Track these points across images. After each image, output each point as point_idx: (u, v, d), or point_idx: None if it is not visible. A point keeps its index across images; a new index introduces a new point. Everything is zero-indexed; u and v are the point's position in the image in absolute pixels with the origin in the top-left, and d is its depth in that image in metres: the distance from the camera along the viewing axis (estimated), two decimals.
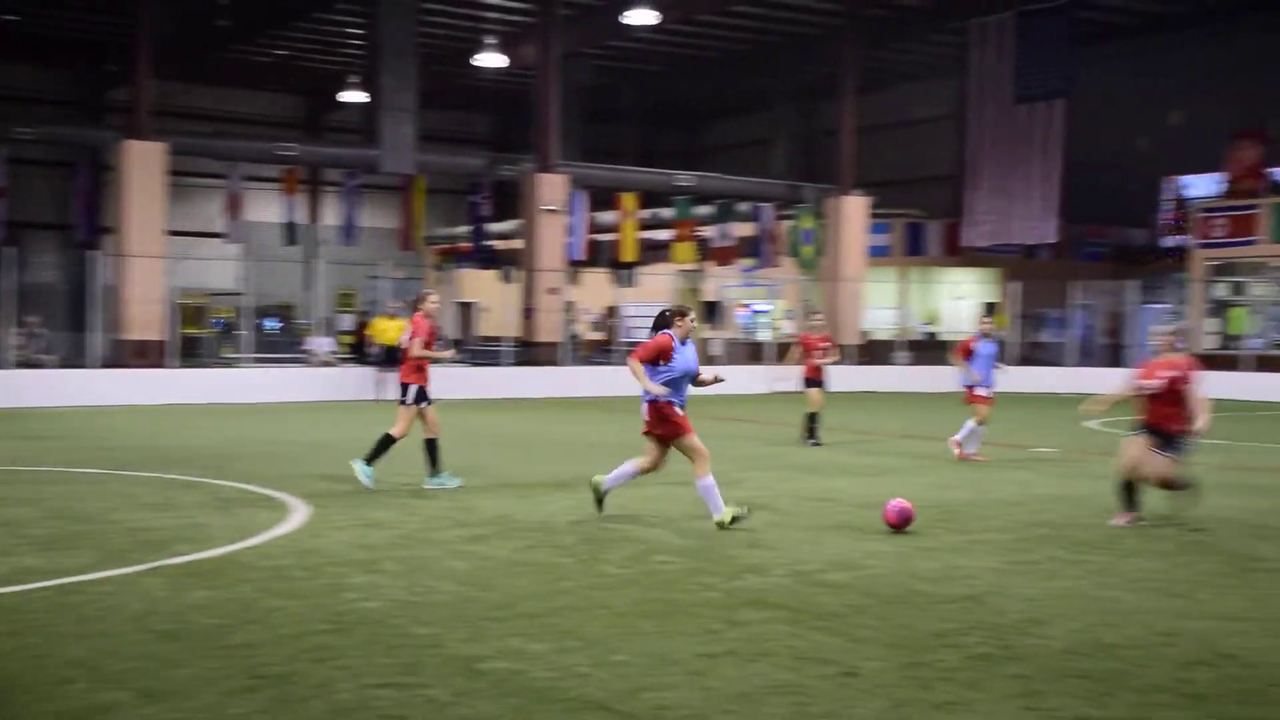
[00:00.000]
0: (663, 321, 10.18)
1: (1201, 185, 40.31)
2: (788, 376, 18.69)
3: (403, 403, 12.32)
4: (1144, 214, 41.46)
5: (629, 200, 34.77)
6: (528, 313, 31.49)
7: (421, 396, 12.33)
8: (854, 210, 35.87)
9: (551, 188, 31.62)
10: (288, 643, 6.33)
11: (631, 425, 20.84)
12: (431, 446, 12.30)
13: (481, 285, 42.74)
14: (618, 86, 42.64)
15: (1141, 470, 10.22)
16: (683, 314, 10.18)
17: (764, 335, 36.54)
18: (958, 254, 38.32)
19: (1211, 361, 32.95)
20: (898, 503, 10.07)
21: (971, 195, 36.91)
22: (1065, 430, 20.81)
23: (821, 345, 18.23)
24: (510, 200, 36.71)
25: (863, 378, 32.93)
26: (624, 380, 30.33)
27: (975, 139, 36.80)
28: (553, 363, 30.27)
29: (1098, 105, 38.04)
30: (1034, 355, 36.93)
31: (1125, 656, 6.28)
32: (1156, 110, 36.53)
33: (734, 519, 9.84)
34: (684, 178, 36.33)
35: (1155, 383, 10.15)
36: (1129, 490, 10.38)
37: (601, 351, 37.40)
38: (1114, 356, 38.65)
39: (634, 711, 5.32)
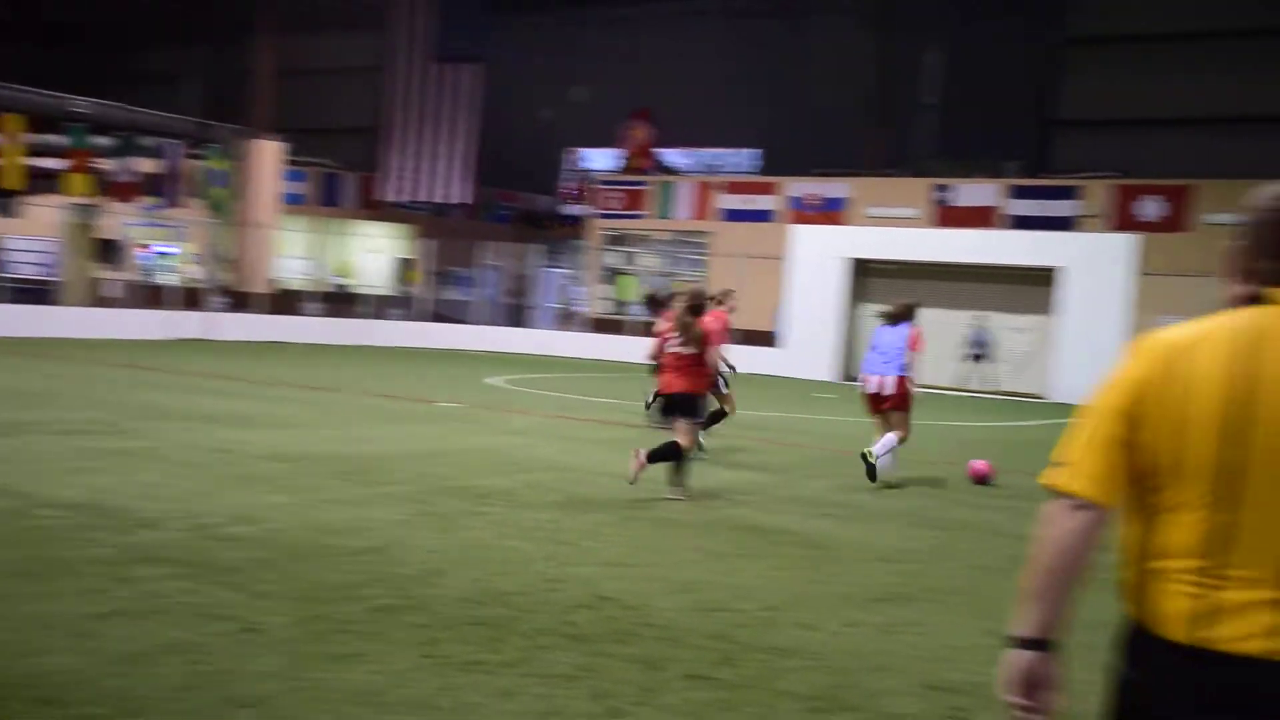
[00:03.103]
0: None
1: (600, 159, 43.17)
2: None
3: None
4: (549, 182, 43.73)
5: (12, 123, 31.64)
6: None
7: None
8: (268, 155, 34.93)
9: None
10: None
11: (23, 367, 19.11)
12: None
13: None
14: None
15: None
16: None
17: (167, 278, 34.71)
18: (373, 208, 38.46)
19: (605, 326, 35.61)
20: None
21: (389, 150, 37.14)
22: (470, 386, 21.55)
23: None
24: None
25: (273, 328, 32.28)
26: (11, 318, 27.54)
27: (394, 94, 37.03)
28: None
29: (512, 74, 39.58)
30: (444, 312, 37.93)
31: (516, 603, 6.62)
32: (563, 85, 38.58)
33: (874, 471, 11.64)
34: (80, 104, 33.62)
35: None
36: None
37: None
38: (519, 316, 40.56)
39: (8, 681, 4.89)
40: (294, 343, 31.40)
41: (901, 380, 11.88)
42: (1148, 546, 2.43)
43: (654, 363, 15.55)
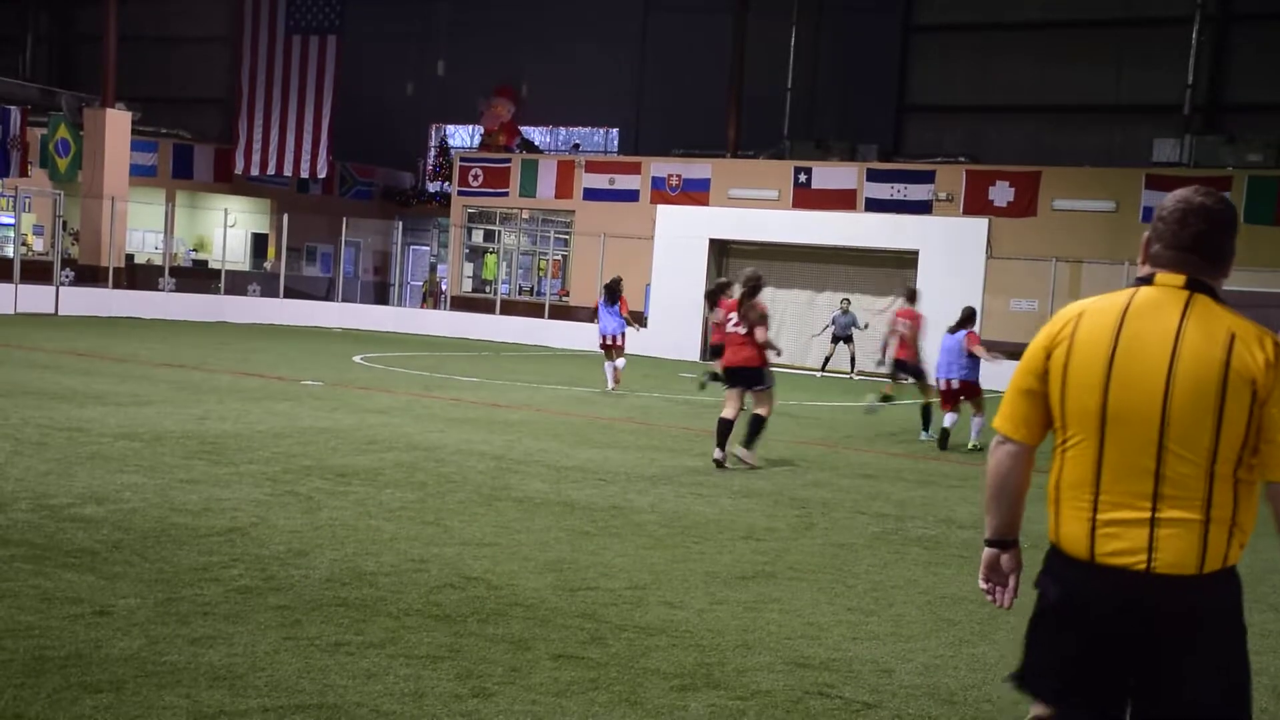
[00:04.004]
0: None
1: (463, 135, 42.72)
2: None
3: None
4: (411, 158, 43.14)
5: None
6: None
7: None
8: (116, 125, 33.71)
9: None
10: None
11: None
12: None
13: None
14: None
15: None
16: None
17: (9, 251, 33.36)
18: (229, 181, 37.50)
19: (469, 304, 35.34)
20: None
21: (244, 123, 36.24)
22: (331, 364, 21.19)
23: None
24: None
25: (125, 303, 31.29)
26: None
27: (249, 65, 36.10)
28: None
29: (373, 47, 38.92)
30: (304, 289, 37.19)
31: (382, 583, 6.53)
32: (427, 60, 38.06)
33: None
34: None
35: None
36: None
37: None
38: (381, 293, 40.01)
39: None
40: (147, 318, 30.50)
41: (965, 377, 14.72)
42: (1059, 480, 3.14)
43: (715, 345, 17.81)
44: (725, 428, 11.90)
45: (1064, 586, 3.11)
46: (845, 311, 27.93)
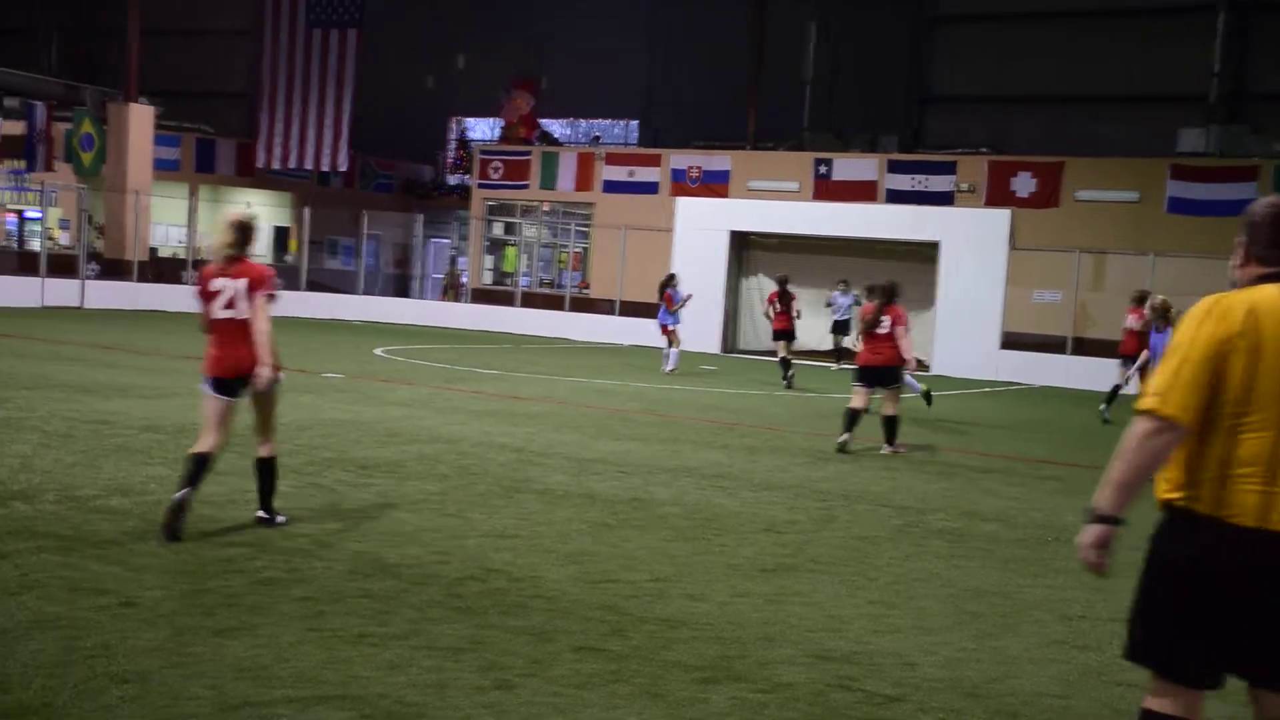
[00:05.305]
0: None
1: (483, 128, 42.77)
2: None
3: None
4: (431, 151, 43.22)
5: None
6: None
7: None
8: (139, 119, 33.85)
9: None
10: None
11: None
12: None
13: None
14: None
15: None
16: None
17: (36, 245, 33.55)
18: (251, 175, 37.63)
19: (490, 297, 35.37)
20: None
21: (266, 116, 36.36)
22: (353, 356, 21.26)
23: None
24: None
25: (149, 296, 31.46)
26: None
27: (270, 59, 36.21)
28: None
29: (394, 42, 38.97)
30: (325, 282, 37.33)
31: (404, 575, 6.56)
32: (445, 52, 38.10)
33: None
34: None
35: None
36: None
37: None
38: (402, 286, 40.11)
39: None
40: (171, 311, 30.63)
41: None
42: (1227, 457, 3.41)
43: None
44: (854, 417, 12.95)
45: (1208, 551, 3.39)
46: (845, 292, 26.97)
